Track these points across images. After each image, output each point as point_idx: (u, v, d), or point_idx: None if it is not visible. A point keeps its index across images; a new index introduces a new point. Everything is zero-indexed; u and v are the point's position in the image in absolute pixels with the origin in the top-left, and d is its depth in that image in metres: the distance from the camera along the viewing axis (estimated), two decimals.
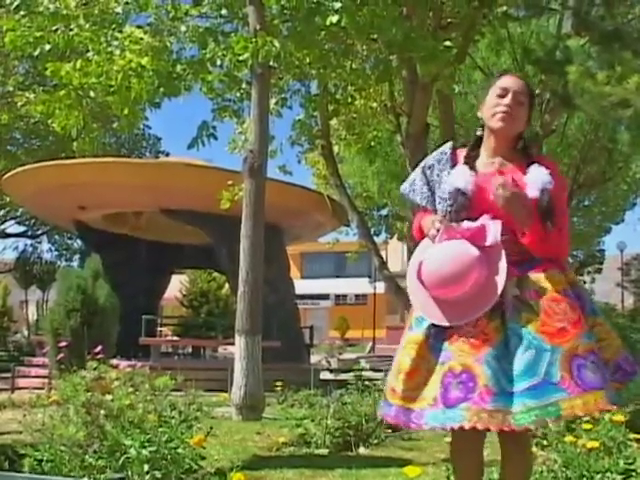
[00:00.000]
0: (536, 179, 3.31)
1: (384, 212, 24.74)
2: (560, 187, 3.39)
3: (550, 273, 3.27)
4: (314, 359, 21.78)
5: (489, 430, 3.09)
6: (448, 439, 6.69)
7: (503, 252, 3.23)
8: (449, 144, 3.53)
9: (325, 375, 17.69)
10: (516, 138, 3.46)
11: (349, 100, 13.13)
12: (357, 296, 49.26)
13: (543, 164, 3.39)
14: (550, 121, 13.15)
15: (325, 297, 48.93)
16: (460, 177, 3.34)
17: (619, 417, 4.72)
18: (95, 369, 5.56)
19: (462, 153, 3.49)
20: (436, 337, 3.26)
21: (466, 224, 3.25)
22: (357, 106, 14.00)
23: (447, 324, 3.23)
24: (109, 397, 5.32)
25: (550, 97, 12.28)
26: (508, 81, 3.42)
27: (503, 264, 3.21)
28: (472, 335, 3.16)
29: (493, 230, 3.22)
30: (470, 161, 3.43)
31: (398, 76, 12.12)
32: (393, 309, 44.36)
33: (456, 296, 3.20)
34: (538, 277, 3.25)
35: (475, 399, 3.04)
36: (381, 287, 41.53)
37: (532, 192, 3.28)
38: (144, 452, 4.90)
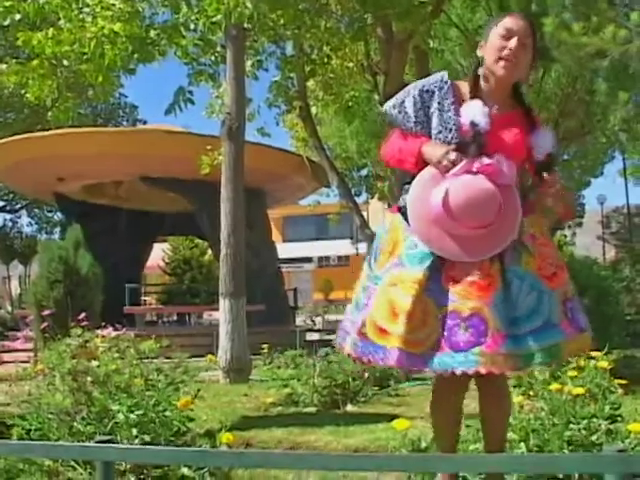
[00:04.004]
0: (544, 145, 3.37)
1: (364, 172, 24.69)
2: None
3: (534, 217, 3.33)
4: (299, 321, 21.85)
5: (467, 374, 3.10)
6: None
7: (516, 192, 3.25)
8: (445, 74, 3.40)
9: (311, 336, 17.75)
10: (515, 82, 3.42)
11: (325, 60, 13.05)
12: (340, 257, 49.29)
13: (540, 123, 3.46)
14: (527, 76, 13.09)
15: (308, 260, 48.95)
16: (477, 112, 3.26)
17: (603, 364, 4.77)
18: (80, 336, 5.56)
19: (462, 87, 3.39)
20: (433, 279, 3.18)
21: (485, 160, 3.19)
22: (333, 66, 13.90)
23: (467, 259, 3.16)
24: (95, 363, 5.32)
25: None
26: (513, 22, 3.32)
27: (518, 204, 3.23)
28: (478, 277, 3.13)
29: (509, 170, 3.23)
30: (476, 97, 3.34)
31: (373, 35, 12.04)
32: None
33: (477, 231, 3.17)
34: (530, 219, 3.30)
35: (489, 343, 3.04)
36: (363, 248, 41.72)
37: (537, 155, 3.35)
38: (132, 416, 4.91)
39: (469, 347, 3.06)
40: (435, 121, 3.30)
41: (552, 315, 3.13)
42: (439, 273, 3.20)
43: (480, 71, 3.39)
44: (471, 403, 3.54)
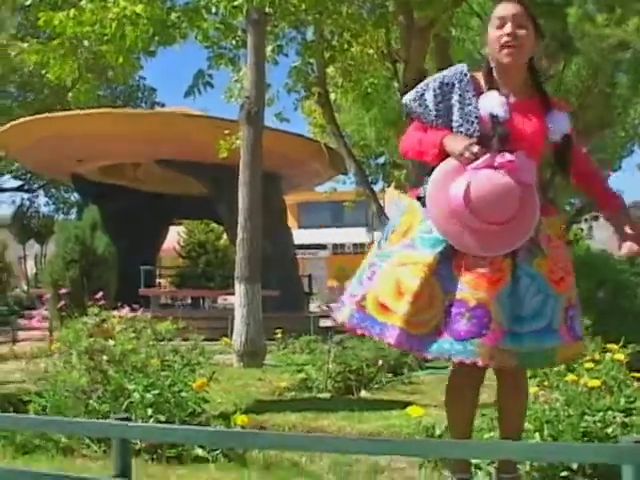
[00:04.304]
0: (559, 127, 3.33)
1: (381, 160, 24.63)
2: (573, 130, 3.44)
3: (552, 218, 3.34)
4: (313, 307, 21.86)
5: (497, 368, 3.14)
6: None
7: (535, 189, 3.24)
8: (464, 66, 3.38)
9: (325, 322, 17.77)
10: (525, 68, 3.38)
11: (345, 47, 12.99)
12: (355, 245, 49.18)
13: (558, 106, 3.42)
14: (548, 67, 13.02)
15: (323, 247, 48.88)
16: (496, 103, 3.25)
17: (620, 356, 4.76)
18: (97, 315, 5.59)
19: (480, 79, 3.37)
20: (443, 264, 3.18)
21: (507, 156, 3.17)
22: (353, 53, 13.84)
23: (484, 254, 3.15)
24: (111, 342, 5.35)
25: (548, 43, 12.14)
26: (503, 9, 3.30)
27: (537, 204, 3.23)
28: (489, 270, 3.13)
29: (529, 168, 3.22)
30: (496, 88, 3.32)
31: (395, 22, 11.99)
32: None
33: (495, 227, 3.15)
34: (547, 221, 3.30)
35: (489, 336, 3.05)
36: (379, 236, 41.58)
37: (553, 137, 3.33)
38: (148, 396, 4.95)
39: (469, 337, 3.06)
40: (456, 114, 3.28)
41: (554, 320, 3.15)
42: (450, 260, 3.19)
43: (492, 64, 3.37)
44: (485, 391, 3.54)
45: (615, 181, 57.67)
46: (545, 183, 3.46)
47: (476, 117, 3.24)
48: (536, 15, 3.40)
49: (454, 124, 3.28)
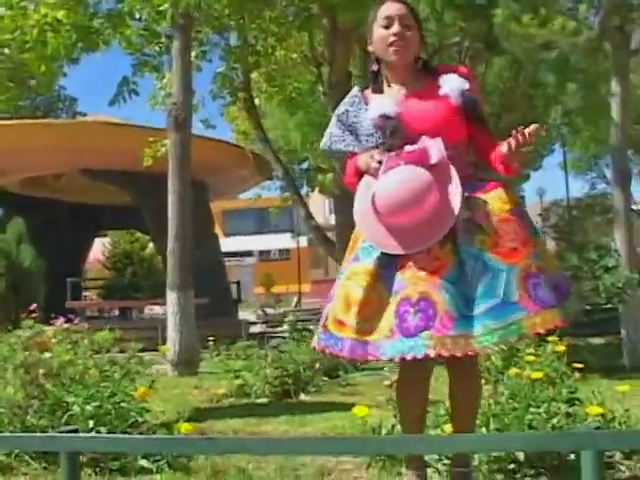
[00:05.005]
0: (452, 87, 3.31)
1: (305, 165, 24.65)
2: (476, 88, 3.43)
3: (497, 192, 3.27)
4: (242, 315, 21.76)
5: (429, 358, 3.08)
6: (386, 382, 6.77)
7: (452, 168, 3.20)
8: (355, 88, 3.49)
9: (255, 329, 17.72)
10: (415, 63, 3.42)
11: (269, 51, 12.99)
12: (281, 251, 49.32)
13: (451, 70, 3.41)
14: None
15: (249, 254, 48.86)
16: (379, 104, 3.30)
17: (560, 348, 4.83)
18: (31, 327, 5.45)
19: (370, 92, 3.45)
20: (387, 267, 3.20)
21: (407, 148, 3.20)
22: (277, 57, 13.86)
23: (402, 252, 3.17)
24: (48, 355, 5.22)
25: (469, 44, 12.30)
26: (389, 9, 3.35)
27: (456, 183, 3.19)
28: (426, 262, 3.12)
29: (436, 147, 3.19)
30: (380, 92, 3.40)
31: (319, 25, 12.01)
32: (317, 263, 44.62)
33: (413, 221, 3.14)
34: (486, 197, 3.25)
35: (437, 326, 3.02)
36: (304, 241, 41.73)
37: (453, 99, 3.29)
38: (88, 408, 4.83)
39: (418, 332, 3.04)
40: (361, 134, 3.35)
41: (510, 292, 3.07)
42: (393, 262, 3.21)
43: (375, 67, 3.43)
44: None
45: (536, 180, 58.75)
46: (468, 158, 3.43)
47: (372, 127, 3.30)
48: (419, 16, 3.48)
49: (363, 144, 3.35)
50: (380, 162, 3.23)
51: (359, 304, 3.18)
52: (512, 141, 3.12)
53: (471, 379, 3.48)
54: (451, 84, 3.31)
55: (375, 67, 3.44)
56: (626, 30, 8.33)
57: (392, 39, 3.30)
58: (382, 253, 3.22)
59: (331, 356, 3.47)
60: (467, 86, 3.30)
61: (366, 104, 3.37)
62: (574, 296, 3.38)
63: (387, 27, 3.32)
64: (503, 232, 3.18)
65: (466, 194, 3.21)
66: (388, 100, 3.33)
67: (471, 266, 3.12)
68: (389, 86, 3.41)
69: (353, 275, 3.26)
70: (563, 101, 11.15)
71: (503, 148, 3.20)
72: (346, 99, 3.44)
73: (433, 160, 3.18)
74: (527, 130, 3.10)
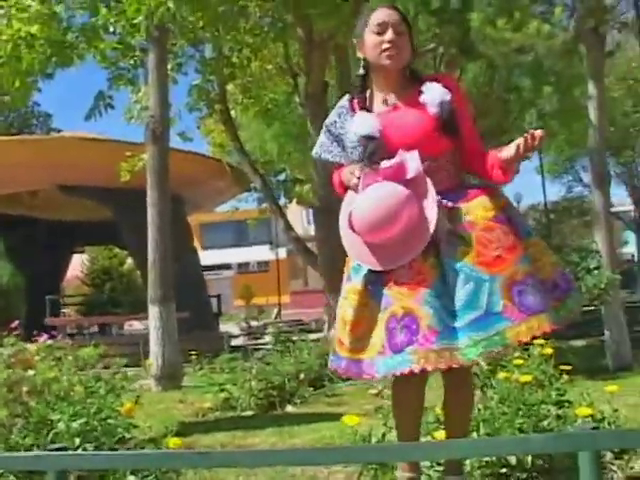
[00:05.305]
0: (432, 96, 3.27)
1: (282, 177, 24.63)
2: (460, 98, 3.36)
3: (480, 200, 3.22)
4: (223, 328, 21.69)
5: (437, 370, 3.08)
6: (372, 391, 6.74)
7: (429, 181, 3.17)
8: (346, 96, 3.48)
9: (236, 342, 17.65)
10: (405, 70, 3.40)
11: (245, 63, 12.95)
12: (259, 263, 49.21)
13: (436, 80, 3.36)
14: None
15: (227, 267, 48.72)
16: (362, 123, 3.28)
17: (548, 351, 4.81)
18: (13, 345, 5.37)
19: (356, 104, 3.43)
20: (375, 283, 3.20)
21: (384, 164, 3.19)
22: (253, 69, 13.85)
23: (382, 268, 3.17)
24: (31, 372, 5.14)
25: (445, 50, 12.34)
26: (382, 15, 3.33)
27: (432, 196, 3.16)
28: (409, 277, 3.10)
29: (412, 161, 3.17)
30: (365, 104, 3.38)
31: (293, 36, 12.01)
32: (296, 274, 44.53)
33: (389, 238, 3.12)
34: (469, 206, 3.20)
35: (420, 341, 3.00)
36: (283, 253, 41.67)
37: (431, 110, 3.25)
38: (74, 425, 4.75)
39: (403, 347, 3.03)
40: (347, 146, 3.35)
41: (493, 303, 3.04)
42: (380, 277, 3.20)
43: (362, 71, 3.42)
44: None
45: (513, 185, 58.87)
46: (455, 169, 3.41)
47: (358, 141, 3.29)
48: (410, 24, 3.43)
49: (349, 156, 3.36)
50: (359, 178, 3.22)
51: (351, 323, 3.20)
52: (521, 145, 3.09)
53: (465, 387, 3.46)
54: (432, 94, 3.28)
55: (362, 72, 3.41)
56: (601, 32, 8.37)
57: (386, 45, 3.28)
58: (369, 270, 3.22)
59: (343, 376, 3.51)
60: (448, 97, 3.26)
61: (352, 115, 3.36)
62: (575, 293, 3.36)
63: (380, 33, 3.29)
64: (486, 241, 3.13)
65: (449, 204, 3.19)
66: (371, 119, 3.29)
67: (453, 278, 3.09)
68: (376, 93, 3.39)
69: (347, 295, 3.29)
70: (539, 104, 11.18)
71: (503, 154, 3.17)
72: (335, 109, 3.45)
73: (410, 175, 3.16)
74: (536, 133, 3.07)
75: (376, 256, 3.20)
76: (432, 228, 3.13)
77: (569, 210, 28.98)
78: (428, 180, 3.17)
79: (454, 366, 3.07)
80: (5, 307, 10.43)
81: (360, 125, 3.28)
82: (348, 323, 3.21)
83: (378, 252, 3.20)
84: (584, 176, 27.54)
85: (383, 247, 3.18)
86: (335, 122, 3.40)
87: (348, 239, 3.29)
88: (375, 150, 3.24)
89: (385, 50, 3.29)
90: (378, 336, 3.12)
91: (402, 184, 3.15)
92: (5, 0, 9.35)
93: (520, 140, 3.08)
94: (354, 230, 3.20)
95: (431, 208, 3.15)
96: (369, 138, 3.24)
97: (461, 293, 3.07)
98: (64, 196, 17.43)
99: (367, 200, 3.17)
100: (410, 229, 3.12)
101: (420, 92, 3.32)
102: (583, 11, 8.52)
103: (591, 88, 8.86)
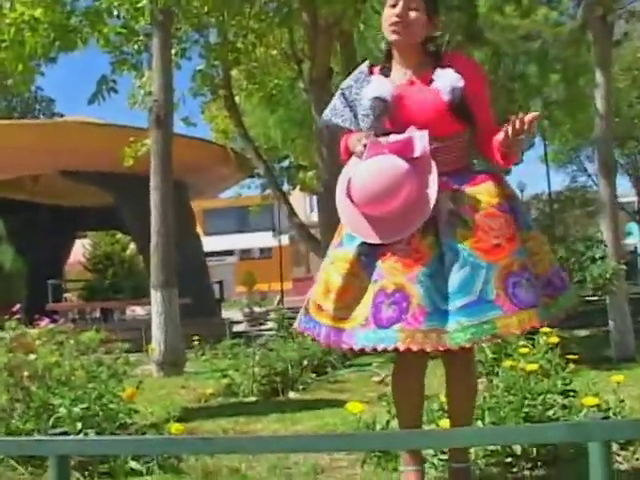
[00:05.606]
0: (444, 83, 3.24)
1: (285, 164, 24.59)
2: (475, 83, 3.29)
3: (486, 186, 3.21)
4: (225, 314, 21.67)
5: (424, 352, 3.01)
6: (376, 378, 6.70)
7: (433, 163, 3.15)
8: (365, 62, 3.44)
9: (239, 327, 17.62)
10: (423, 44, 3.35)
11: (249, 48, 12.90)
12: (262, 250, 49.27)
13: (451, 63, 3.31)
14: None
15: (230, 253, 48.75)
16: (377, 86, 3.26)
17: (554, 339, 4.78)
18: (14, 329, 5.33)
19: (375, 70, 3.41)
20: (369, 254, 3.17)
21: (393, 137, 3.17)
22: (257, 54, 13.79)
23: (379, 241, 3.14)
24: (32, 357, 5.11)
25: (450, 37, 12.26)
26: None
27: (434, 176, 3.13)
28: (405, 253, 3.08)
29: (420, 141, 3.14)
30: (385, 72, 3.37)
31: (298, 21, 11.94)
32: (299, 261, 44.55)
33: (388, 212, 3.10)
34: (474, 190, 3.18)
35: (409, 319, 2.97)
36: (285, 240, 41.66)
37: (444, 97, 3.22)
38: (75, 410, 4.73)
39: (390, 324, 3.00)
40: (359, 112, 3.30)
41: (487, 290, 3.01)
42: (374, 249, 3.17)
43: (385, 46, 3.43)
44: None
45: (517, 173, 58.89)
46: (464, 151, 3.37)
47: (370, 105, 3.25)
48: None
49: (360, 124, 3.31)
50: (365, 146, 3.18)
51: (337, 291, 3.16)
52: (509, 128, 3.04)
53: (468, 376, 3.43)
54: (444, 80, 3.24)
55: (384, 45, 3.42)
56: (608, 20, 8.30)
57: (393, 19, 3.26)
58: (363, 241, 3.19)
59: (308, 337, 3.48)
60: (460, 84, 3.21)
61: (370, 81, 3.32)
62: (569, 292, 3.34)
63: (392, 7, 3.28)
64: (488, 227, 3.11)
65: (455, 187, 3.16)
66: (387, 83, 3.28)
67: (449, 260, 3.06)
68: (396, 66, 3.37)
69: (336, 260, 3.26)
70: (545, 93, 11.13)
71: (499, 136, 3.14)
72: (353, 74, 3.40)
73: (416, 153, 3.14)
74: (526, 118, 3.02)
75: (374, 229, 3.16)
76: (432, 204, 3.09)
77: (572, 200, 28.91)
78: (433, 162, 3.14)
79: (457, 353, 3.05)
80: (7, 291, 10.39)
81: (375, 87, 3.25)
82: (334, 290, 3.17)
83: (376, 225, 3.16)
84: (588, 166, 27.48)
85: (381, 220, 3.14)
86: (351, 86, 3.35)
87: (346, 209, 3.25)
88: (383, 113, 3.21)
89: (392, 24, 3.26)
90: (364, 307, 3.10)
91: (407, 161, 3.12)
92: None
93: (509, 125, 3.05)
94: (351, 199, 3.17)
95: (432, 187, 3.12)
96: (380, 100, 3.21)
97: (456, 276, 3.04)
98: (66, 181, 17.38)
99: (368, 170, 3.14)
100: (410, 204, 3.10)
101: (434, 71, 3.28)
102: None
103: (598, 77, 8.78)
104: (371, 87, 3.27)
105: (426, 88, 3.27)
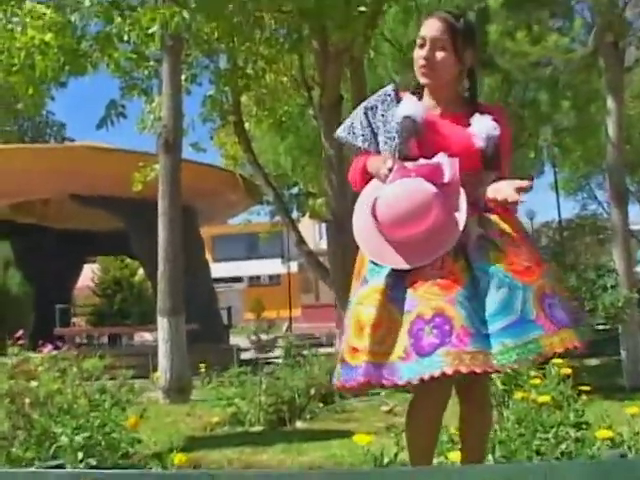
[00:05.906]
0: (480, 128, 3.19)
1: (295, 191, 24.57)
2: (506, 134, 3.28)
3: (506, 217, 3.18)
4: (233, 341, 21.58)
5: (473, 373, 2.86)
6: (384, 408, 6.58)
7: (462, 189, 3.08)
8: (391, 85, 3.37)
9: (246, 355, 17.53)
10: (454, 84, 3.30)
11: (259, 74, 12.89)
12: (271, 277, 49.15)
13: (488, 111, 3.28)
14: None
15: (238, 279, 48.63)
16: (409, 106, 3.19)
17: (566, 371, 4.67)
18: (17, 355, 5.26)
19: (405, 94, 3.32)
20: (395, 287, 3.03)
21: (422, 161, 3.09)
22: (267, 81, 13.76)
23: (406, 266, 3.02)
24: (34, 384, 5.03)
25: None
26: (424, 28, 3.24)
27: (463, 200, 3.06)
28: (440, 276, 2.97)
29: (450, 167, 3.07)
30: (417, 96, 3.30)
31: (308, 47, 11.93)
32: (307, 288, 44.39)
33: (414, 234, 3.01)
34: (497, 218, 3.14)
35: (453, 341, 2.84)
36: (295, 267, 41.58)
37: (478, 142, 3.17)
38: (77, 439, 4.65)
39: (434, 349, 2.85)
40: (381, 135, 3.23)
41: (527, 310, 2.93)
42: (402, 280, 3.05)
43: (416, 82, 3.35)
44: None
45: (527, 202, 58.63)
46: (481, 185, 3.33)
47: (398, 124, 3.18)
48: (460, 31, 3.28)
49: (380, 145, 3.22)
50: (391, 169, 3.08)
51: (371, 325, 3.00)
52: (498, 196, 3.06)
53: (484, 409, 3.32)
54: (480, 125, 3.20)
55: (415, 84, 3.36)
56: (620, 46, 8.26)
57: (420, 62, 3.24)
58: (389, 273, 3.06)
59: (352, 391, 3.31)
60: (496, 133, 3.18)
61: (398, 103, 3.25)
62: (583, 327, 3.29)
63: (421, 47, 3.24)
64: (518, 250, 3.07)
65: (478, 212, 3.12)
66: (420, 105, 3.23)
67: (486, 282, 2.98)
68: (426, 98, 3.32)
69: (363, 299, 3.10)
70: (556, 120, 11.08)
71: (489, 193, 3.12)
72: (377, 95, 3.32)
73: (446, 179, 3.06)
74: (516, 186, 3.02)
75: (400, 254, 3.05)
76: (462, 226, 3.03)
77: (583, 227, 28.77)
78: (461, 188, 3.08)
79: (474, 386, 2.96)
80: (15, 315, 10.33)
81: (406, 107, 3.19)
82: (367, 325, 3.00)
83: (401, 250, 3.05)
84: (599, 194, 27.36)
85: (405, 245, 3.04)
86: (375, 107, 3.28)
87: (369, 237, 3.13)
88: (411, 134, 3.13)
89: (420, 67, 3.24)
90: (400, 341, 2.94)
91: (435, 186, 3.04)
92: (20, 8, 9.31)
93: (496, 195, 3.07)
94: (377, 220, 3.05)
95: (461, 212, 3.05)
96: (411, 120, 3.14)
97: (495, 298, 2.95)
98: (76, 205, 17.39)
99: (396, 192, 3.04)
100: (438, 227, 3.01)
101: (470, 113, 3.24)
102: (602, 25, 8.40)
103: (609, 103, 8.73)
104: (402, 107, 3.20)
105: (459, 126, 3.22)
